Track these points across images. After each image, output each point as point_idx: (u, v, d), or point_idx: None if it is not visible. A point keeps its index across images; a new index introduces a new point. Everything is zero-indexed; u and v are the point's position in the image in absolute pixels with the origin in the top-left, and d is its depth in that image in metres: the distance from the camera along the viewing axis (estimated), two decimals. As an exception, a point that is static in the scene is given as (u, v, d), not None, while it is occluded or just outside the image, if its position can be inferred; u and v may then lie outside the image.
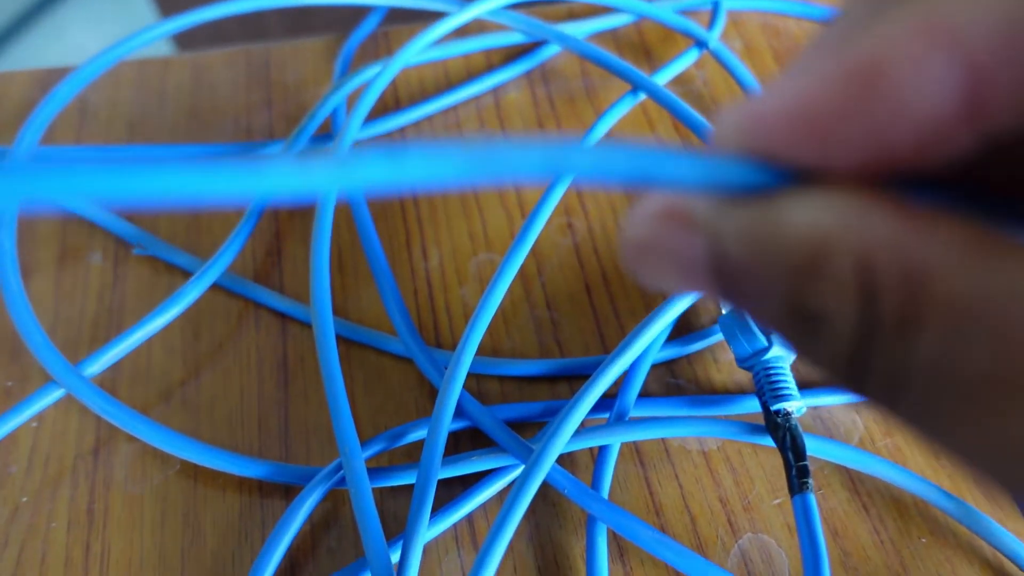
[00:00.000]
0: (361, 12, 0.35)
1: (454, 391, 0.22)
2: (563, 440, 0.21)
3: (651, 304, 0.27)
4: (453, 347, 0.26)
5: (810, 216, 0.09)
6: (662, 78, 0.31)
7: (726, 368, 0.25)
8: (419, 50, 0.29)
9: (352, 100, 0.31)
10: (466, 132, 0.32)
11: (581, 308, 0.27)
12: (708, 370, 0.25)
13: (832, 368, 0.09)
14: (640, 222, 0.11)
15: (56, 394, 0.23)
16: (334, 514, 0.23)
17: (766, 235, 0.09)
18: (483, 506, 0.23)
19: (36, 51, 1.14)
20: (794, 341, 0.10)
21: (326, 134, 0.31)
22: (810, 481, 0.20)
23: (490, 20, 0.31)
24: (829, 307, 0.09)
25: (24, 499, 0.23)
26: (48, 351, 0.23)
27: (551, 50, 0.34)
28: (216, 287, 0.27)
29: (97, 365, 0.23)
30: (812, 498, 0.20)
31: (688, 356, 0.26)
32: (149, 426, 0.22)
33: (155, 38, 0.29)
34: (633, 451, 0.24)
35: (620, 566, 0.22)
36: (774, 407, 0.22)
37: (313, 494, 0.21)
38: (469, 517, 0.23)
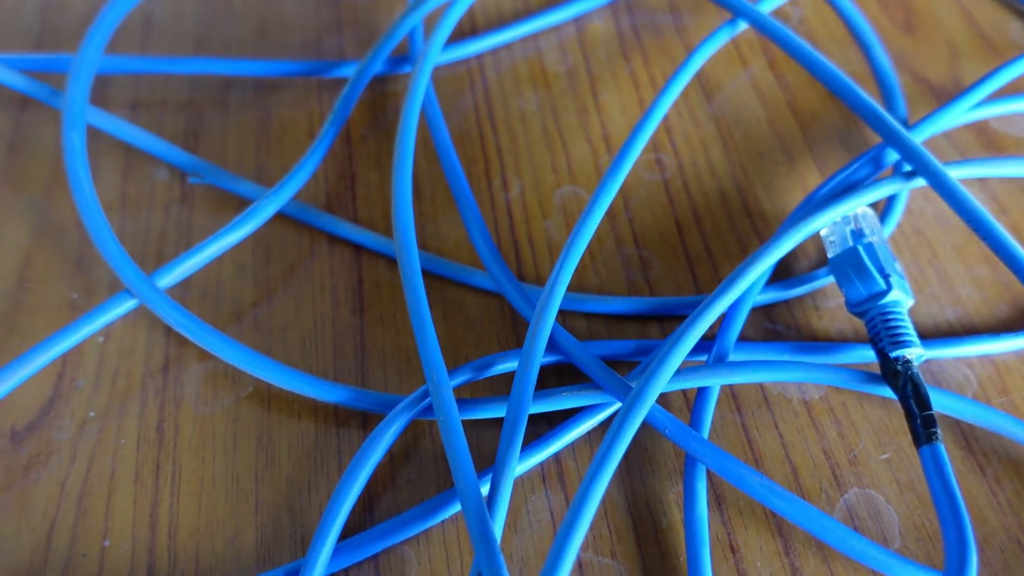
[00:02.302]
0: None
1: (547, 323, 0.21)
2: (664, 378, 0.20)
3: (746, 244, 0.25)
4: (536, 280, 0.25)
5: None
6: (763, 9, 0.29)
7: (827, 315, 0.24)
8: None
9: (428, 23, 0.30)
10: (547, 62, 0.30)
11: (672, 246, 0.25)
12: (808, 317, 0.24)
13: None
14: None
15: (128, 305, 0.22)
16: (413, 445, 0.21)
17: None
18: (571, 445, 0.21)
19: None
20: None
21: (401, 55, 0.29)
22: (938, 431, 0.19)
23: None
24: None
25: (92, 414, 0.22)
26: (122, 260, 0.21)
27: (636, -20, 0.32)
28: (286, 214, 0.25)
29: (169, 278, 0.22)
30: (942, 448, 0.18)
31: (787, 301, 0.24)
32: (226, 342, 0.21)
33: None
34: (730, 397, 0.22)
35: (718, 515, 0.20)
36: (893, 354, 0.20)
37: (396, 422, 0.20)
38: (556, 456, 0.21)
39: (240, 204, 0.26)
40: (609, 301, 0.24)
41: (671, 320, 0.24)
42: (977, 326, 0.24)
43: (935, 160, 0.22)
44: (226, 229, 0.23)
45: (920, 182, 0.23)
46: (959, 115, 0.26)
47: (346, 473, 0.19)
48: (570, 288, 0.24)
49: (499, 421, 0.21)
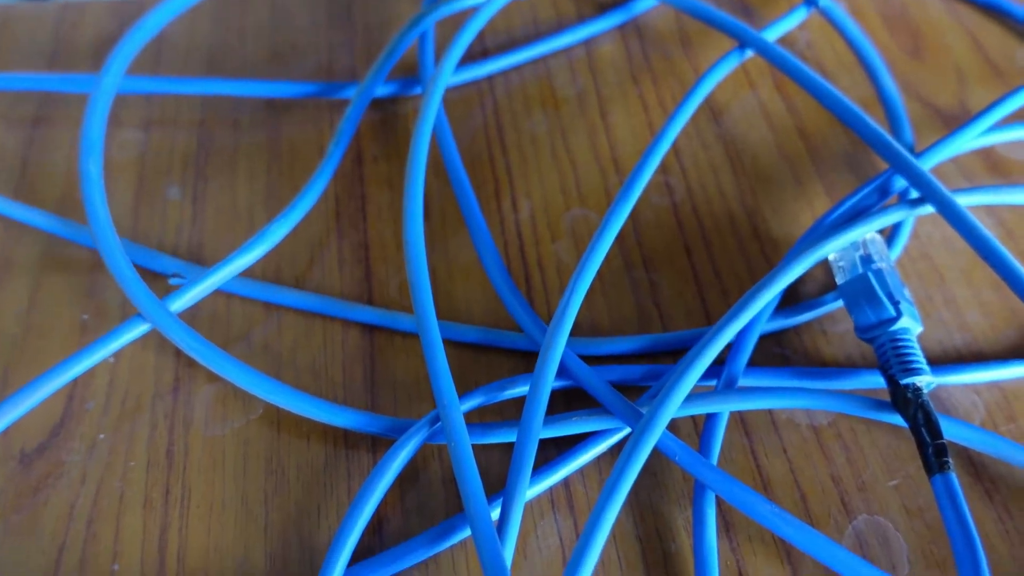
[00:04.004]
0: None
1: (557, 348, 0.21)
2: (674, 405, 0.20)
3: (755, 268, 0.25)
4: (545, 302, 0.25)
5: None
6: (770, 35, 0.29)
7: (836, 340, 0.24)
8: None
9: (439, 41, 0.30)
10: (557, 84, 0.30)
11: (681, 270, 0.25)
12: (816, 342, 0.24)
13: None
14: None
15: (140, 329, 0.22)
16: (423, 467, 0.21)
17: None
18: (580, 470, 0.21)
19: None
20: None
21: (412, 77, 0.29)
22: (950, 461, 0.19)
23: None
24: None
25: (101, 436, 0.22)
26: (136, 286, 0.22)
27: (645, 3, 0.32)
28: (298, 231, 0.26)
29: (181, 302, 0.22)
30: (954, 478, 0.18)
31: (796, 327, 0.24)
32: (236, 366, 0.21)
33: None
34: (739, 422, 0.22)
35: (727, 541, 0.20)
36: (904, 381, 0.20)
37: (407, 446, 0.20)
38: (566, 480, 0.21)
39: (251, 225, 0.26)
40: (620, 341, 0.23)
41: (682, 352, 0.24)
42: (985, 352, 0.24)
43: (943, 188, 0.22)
44: (238, 252, 0.23)
45: (928, 209, 0.23)
46: (967, 142, 0.26)
47: (356, 498, 0.19)
48: (580, 311, 0.24)
49: (508, 445, 0.21)
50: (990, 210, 0.26)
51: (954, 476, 0.19)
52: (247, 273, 0.25)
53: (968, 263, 0.25)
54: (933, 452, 0.19)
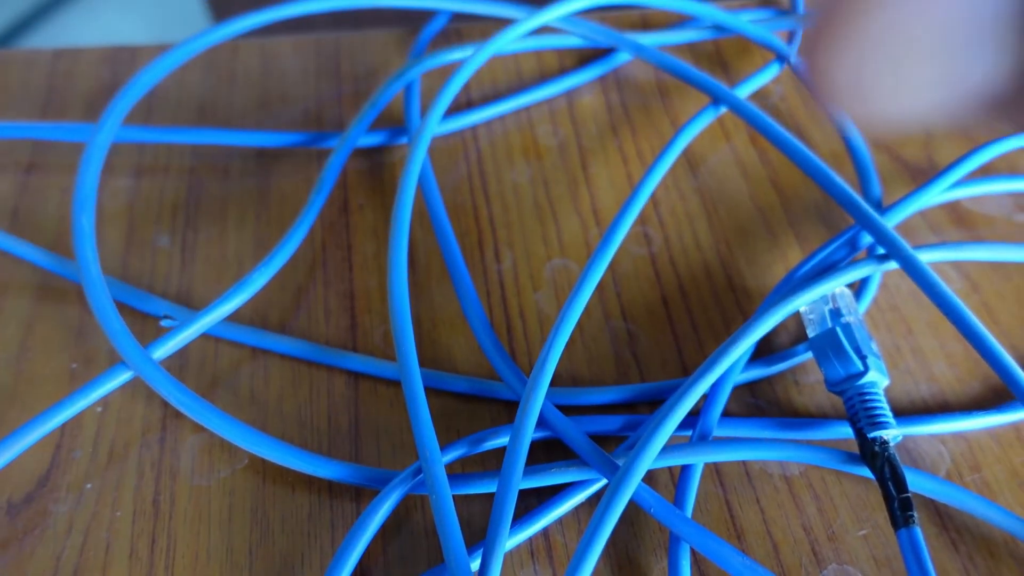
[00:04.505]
0: (423, 15, 0.34)
1: (536, 400, 0.22)
2: (650, 457, 0.20)
3: (729, 318, 0.26)
4: (526, 352, 0.25)
5: None
6: (743, 92, 0.30)
7: (807, 390, 0.25)
8: (512, 40, 0.29)
9: (426, 93, 0.31)
10: (539, 135, 0.31)
11: (658, 321, 0.26)
12: (789, 392, 0.25)
13: None
14: None
15: (123, 377, 0.22)
16: (405, 517, 0.22)
17: None
18: (559, 520, 0.22)
19: (68, 31, 1.14)
20: None
21: (398, 127, 0.30)
22: (914, 514, 0.19)
23: (564, 28, 0.30)
24: None
25: (88, 485, 0.22)
26: (121, 333, 0.22)
27: (624, 56, 0.33)
28: (282, 275, 0.26)
29: (164, 349, 0.23)
30: (919, 532, 0.19)
31: (769, 377, 0.25)
32: (220, 417, 0.22)
33: (255, 25, 0.29)
34: (713, 472, 0.23)
35: (701, 591, 0.21)
36: (871, 435, 0.21)
37: (390, 497, 0.21)
38: (544, 530, 0.22)
39: (240, 272, 0.26)
40: (598, 392, 0.24)
41: (659, 403, 0.24)
42: (951, 403, 0.25)
43: (907, 245, 0.23)
44: (221, 299, 0.24)
45: (894, 264, 0.24)
46: (934, 196, 0.27)
47: (340, 549, 0.20)
48: (560, 361, 0.25)
49: (487, 496, 0.22)
50: (956, 264, 0.27)
51: (918, 530, 0.19)
52: (235, 317, 0.25)
53: (935, 315, 0.26)
54: (899, 506, 0.20)
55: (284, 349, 0.25)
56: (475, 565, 0.20)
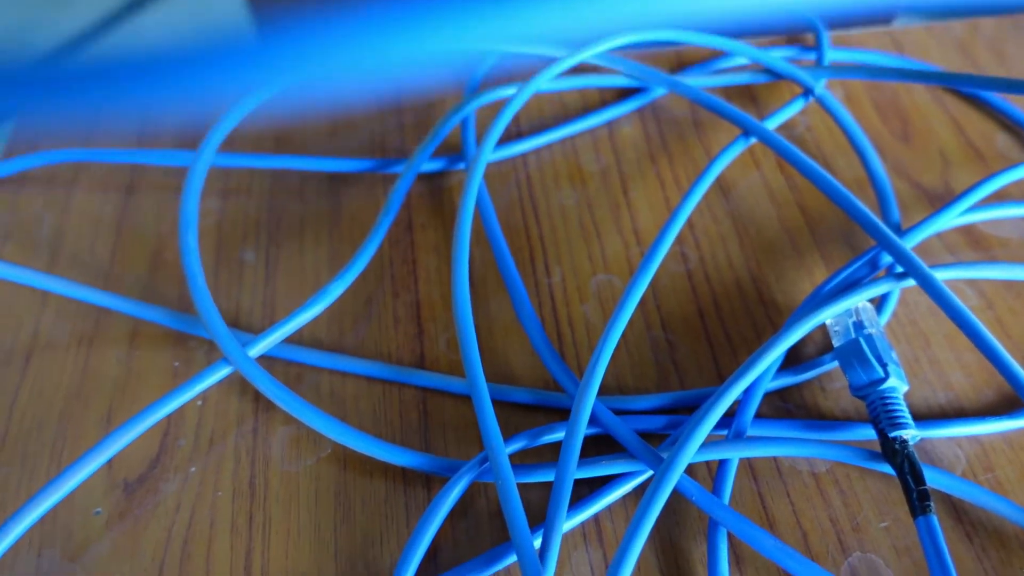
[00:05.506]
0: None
1: (588, 400, 0.24)
2: (691, 451, 0.23)
3: (760, 330, 0.29)
4: (576, 357, 0.28)
5: None
6: (772, 124, 0.33)
7: (833, 396, 0.27)
8: (549, 79, 0.32)
9: (481, 124, 0.34)
10: (583, 162, 0.34)
11: (695, 331, 0.29)
12: (816, 397, 0.27)
13: None
14: None
15: (223, 372, 0.25)
16: (470, 504, 0.25)
17: None
18: (608, 507, 0.24)
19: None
20: None
21: (456, 154, 0.33)
22: (932, 504, 0.22)
23: (609, 67, 0.33)
24: None
25: (192, 469, 0.25)
26: (223, 334, 0.25)
27: (660, 91, 0.36)
28: (355, 287, 0.29)
29: (258, 349, 0.26)
30: (935, 520, 0.21)
31: (797, 384, 0.27)
32: (309, 410, 0.25)
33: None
34: (747, 468, 0.25)
35: (737, 572, 0.23)
36: (892, 434, 0.23)
37: (460, 483, 0.23)
38: (596, 516, 0.24)
39: (317, 284, 0.30)
40: (643, 399, 0.26)
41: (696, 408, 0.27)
42: (966, 409, 0.27)
43: (923, 264, 0.26)
44: (303, 307, 0.27)
45: (911, 282, 0.26)
46: (950, 219, 0.30)
47: (415, 530, 0.23)
48: (607, 369, 0.27)
49: (544, 484, 0.25)
50: (971, 281, 0.30)
51: (935, 518, 0.22)
52: (314, 341, 0.28)
53: (951, 329, 0.29)
54: (917, 497, 0.22)
55: (361, 370, 0.27)
56: (536, 544, 0.23)
